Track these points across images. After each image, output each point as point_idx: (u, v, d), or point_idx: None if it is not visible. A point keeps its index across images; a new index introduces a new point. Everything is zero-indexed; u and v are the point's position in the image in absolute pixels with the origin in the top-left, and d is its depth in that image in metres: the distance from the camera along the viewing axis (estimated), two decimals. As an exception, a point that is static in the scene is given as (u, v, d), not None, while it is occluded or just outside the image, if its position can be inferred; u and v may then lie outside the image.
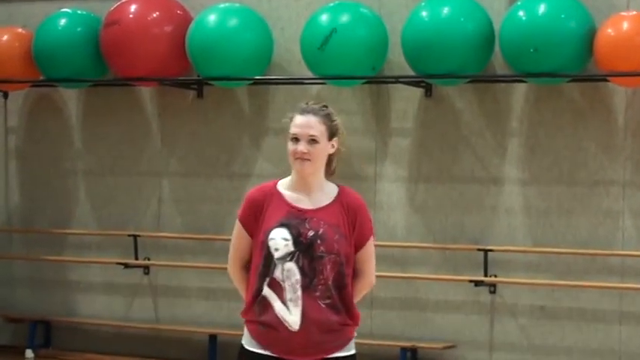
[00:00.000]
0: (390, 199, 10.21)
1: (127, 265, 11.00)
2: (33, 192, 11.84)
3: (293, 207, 4.56)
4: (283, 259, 4.47)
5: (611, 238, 9.74)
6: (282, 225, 4.49)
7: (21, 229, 11.80)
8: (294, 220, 4.51)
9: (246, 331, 4.58)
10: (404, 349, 9.79)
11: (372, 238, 4.66)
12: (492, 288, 9.77)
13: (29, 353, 11.04)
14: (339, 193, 4.61)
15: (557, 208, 9.90)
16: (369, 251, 4.65)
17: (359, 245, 4.60)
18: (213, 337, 10.53)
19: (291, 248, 4.47)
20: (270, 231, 4.50)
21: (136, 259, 10.99)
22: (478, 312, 9.98)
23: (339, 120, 4.65)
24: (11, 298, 11.66)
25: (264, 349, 4.49)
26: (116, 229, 11.22)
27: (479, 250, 9.78)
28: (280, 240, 4.47)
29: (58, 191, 11.72)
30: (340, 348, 4.52)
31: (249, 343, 4.54)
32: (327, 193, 4.60)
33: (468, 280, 9.78)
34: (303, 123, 4.54)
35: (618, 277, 9.61)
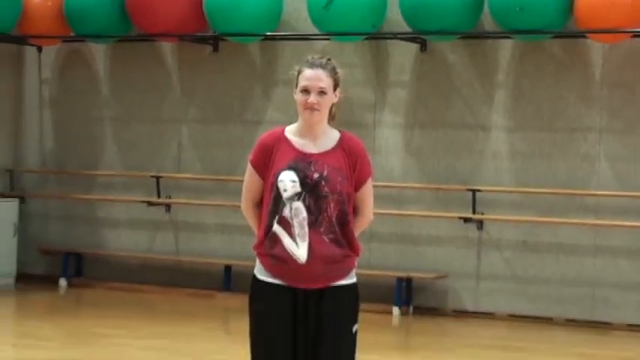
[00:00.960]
0: (388, 144, 10.23)
1: (150, 203, 11.05)
2: (65, 137, 11.84)
3: (300, 152, 4.54)
4: (291, 198, 4.48)
5: (587, 179, 9.81)
6: (290, 168, 4.50)
7: (54, 170, 11.78)
8: (301, 163, 4.50)
9: (258, 263, 4.58)
10: (399, 279, 9.85)
11: (370, 179, 4.65)
12: (479, 224, 9.85)
13: (62, 282, 11.12)
14: (340, 139, 4.59)
15: (539, 153, 9.94)
16: (368, 191, 4.63)
17: (358, 185, 4.58)
18: (228, 268, 10.59)
19: (298, 189, 4.47)
20: (280, 173, 4.49)
21: (158, 197, 11.04)
22: (466, 246, 10.03)
23: (341, 72, 4.62)
24: (46, 233, 11.70)
25: (274, 278, 4.52)
26: (140, 171, 11.25)
27: (468, 190, 9.83)
28: (288, 182, 4.48)
29: (87, 136, 11.72)
30: (343, 277, 4.55)
31: (260, 273, 4.55)
32: (330, 138, 4.57)
33: (457, 217, 9.83)
34: (313, 76, 4.49)
35: (593, 215, 9.69)
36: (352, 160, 4.57)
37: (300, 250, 4.46)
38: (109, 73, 11.68)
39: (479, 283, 10.06)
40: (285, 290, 4.50)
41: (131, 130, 11.50)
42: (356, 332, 4.60)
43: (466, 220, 9.82)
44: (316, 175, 4.47)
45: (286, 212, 4.48)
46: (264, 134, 4.69)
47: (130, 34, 11.04)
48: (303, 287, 4.52)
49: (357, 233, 4.66)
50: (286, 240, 4.48)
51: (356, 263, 4.63)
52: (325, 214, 4.48)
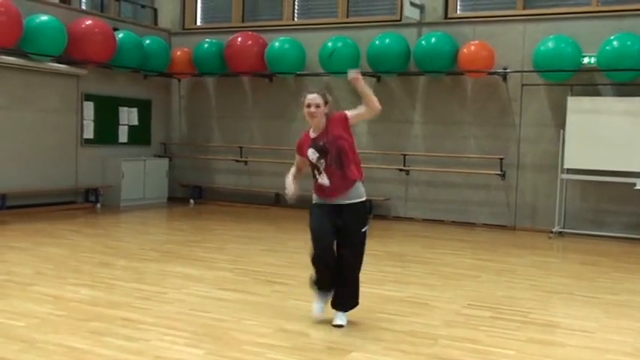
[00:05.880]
0: (361, 129, 9.88)
1: (236, 161, 11.23)
2: (192, 126, 11.94)
3: (312, 139, 4.48)
4: (317, 159, 4.43)
5: (462, 149, 9.77)
6: (309, 147, 4.47)
7: (187, 142, 11.91)
8: (314, 143, 4.45)
9: (313, 195, 4.50)
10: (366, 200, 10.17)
11: (347, 115, 4.44)
12: (407, 172, 10.02)
13: (191, 202, 11.51)
14: (326, 120, 4.45)
15: (438, 136, 9.88)
16: (352, 115, 4.42)
17: (350, 122, 4.40)
18: (277, 194, 10.65)
19: (317, 154, 4.43)
20: (307, 153, 4.49)
21: (240, 157, 11.17)
22: (400, 183, 10.18)
23: (328, 95, 4.51)
24: (183, 175, 11.90)
25: (319, 199, 4.47)
26: (230, 144, 11.36)
27: (401, 154, 9.97)
28: (311, 154, 4.45)
29: (203, 126, 11.76)
30: (356, 198, 4.44)
31: (314, 199, 4.51)
32: (324, 124, 4.46)
33: (396, 169, 10.04)
34: (312, 97, 4.48)
35: (465, 167, 9.72)
36: (335, 123, 4.44)
37: (325, 180, 4.41)
38: (214, 93, 11.81)
39: (406, 202, 10.31)
40: (325, 205, 4.43)
41: (226, 123, 11.69)
42: (365, 232, 4.45)
43: (400, 170, 10.06)
44: (321, 143, 4.42)
45: (318, 167, 4.45)
46: (299, 138, 4.58)
47: (225, 72, 11.07)
48: (333, 203, 4.39)
49: (368, 109, 4.36)
50: (319, 177, 4.45)
51: (361, 187, 4.46)
52: (333, 160, 4.38)
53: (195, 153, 11.95)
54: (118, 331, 4.27)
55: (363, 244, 4.48)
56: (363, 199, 4.50)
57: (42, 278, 5.72)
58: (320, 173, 4.41)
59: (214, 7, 12.14)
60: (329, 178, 4.39)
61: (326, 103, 4.49)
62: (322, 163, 4.40)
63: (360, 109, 4.47)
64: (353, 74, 4.36)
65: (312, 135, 4.51)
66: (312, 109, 4.45)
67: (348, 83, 10.00)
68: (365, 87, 4.38)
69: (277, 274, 6.16)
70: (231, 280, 5.90)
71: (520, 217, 9.65)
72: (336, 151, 4.39)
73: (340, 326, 4.46)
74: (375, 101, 4.39)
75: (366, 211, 4.54)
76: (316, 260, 4.39)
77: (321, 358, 3.94)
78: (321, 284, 4.51)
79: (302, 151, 4.54)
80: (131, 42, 10.65)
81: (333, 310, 4.54)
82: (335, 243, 4.41)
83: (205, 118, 11.89)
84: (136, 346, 3.99)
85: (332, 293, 4.52)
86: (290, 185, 4.49)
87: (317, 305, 4.57)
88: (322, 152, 4.40)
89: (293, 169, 4.60)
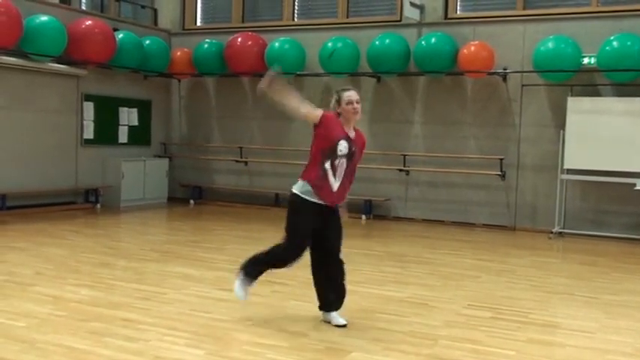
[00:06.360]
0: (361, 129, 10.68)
1: (236, 161, 11.15)
2: (191, 126, 11.93)
3: (346, 133, 4.32)
4: (341, 156, 4.27)
5: (462, 149, 9.80)
6: (345, 139, 4.28)
7: (186, 143, 11.92)
8: (348, 139, 4.30)
9: (303, 188, 4.34)
10: (365, 200, 9.98)
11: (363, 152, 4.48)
12: (407, 172, 10.04)
13: (191, 202, 11.50)
14: (356, 131, 4.41)
15: (437, 135, 9.88)
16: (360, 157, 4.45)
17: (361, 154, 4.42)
18: (277, 195, 10.66)
19: (346, 152, 4.27)
20: (340, 140, 4.25)
21: (241, 157, 11.16)
22: (400, 184, 10.19)
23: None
24: (183, 175, 11.89)
25: (312, 198, 4.34)
26: (230, 144, 11.37)
27: (401, 154, 9.97)
28: (344, 147, 4.25)
29: (203, 126, 11.76)
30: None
31: (305, 195, 4.35)
32: (353, 130, 4.40)
33: (396, 169, 10.06)
34: (353, 94, 4.36)
35: (465, 167, 9.72)
36: (360, 144, 4.40)
37: (336, 183, 4.29)
38: (214, 94, 11.80)
39: (406, 202, 10.31)
40: (316, 204, 4.31)
41: (226, 123, 11.66)
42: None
43: (400, 170, 10.07)
44: (353, 149, 4.31)
45: (336, 162, 4.27)
46: (329, 113, 4.31)
47: (225, 72, 11.03)
48: (326, 204, 4.33)
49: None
50: (330, 176, 4.28)
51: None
52: (349, 170, 4.33)
53: (196, 153, 11.94)
54: (118, 331, 4.27)
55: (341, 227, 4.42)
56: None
57: (42, 278, 5.72)
58: (334, 173, 4.28)
59: (214, 8, 12.10)
60: (340, 184, 4.32)
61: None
62: (341, 164, 4.27)
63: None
64: (264, 82, 4.23)
65: (344, 127, 4.34)
66: (358, 105, 4.35)
67: (347, 83, 9.95)
68: (281, 92, 4.26)
69: (277, 275, 6.06)
70: (231, 281, 5.90)
71: (520, 217, 9.64)
72: (354, 163, 4.37)
73: (344, 325, 4.44)
74: (294, 108, 4.28)
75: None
76: (290, 258, 4.31)
77: (320, 359, 3.93)
78: (258, 274, 4.44)
79: (332, 133, 4.24)
80: (131, 42, 10.63)
81: (331, 314, 4.50)
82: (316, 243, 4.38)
83: (205, 118, 11.88)
84: (136, 347, 3.99)
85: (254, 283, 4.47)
86: (334, 183, 4.32)
87: (245, 289, 4.48)
88: (349, 156, 4.31)
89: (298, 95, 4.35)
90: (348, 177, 4.33)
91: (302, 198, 4.30)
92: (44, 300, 5.00)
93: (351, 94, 4.33)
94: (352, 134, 4.38)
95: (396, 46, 9.76)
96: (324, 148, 4.26)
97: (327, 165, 4.25)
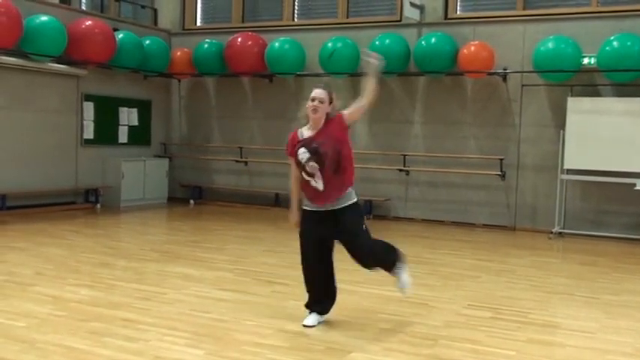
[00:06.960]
0: (360, 129, 10.00)
1: (236, 161, 11.28)
2: (192, 126, 11.95)
3: (305, 138, 4.30)
4: (307, 160, 4.24)
5: (462, 149, 9.78)
6: (300, 147, 4.28)
7: (186, 143, 11.95)
8: (307, 142, 4.27)
9: (304, 200, 4.34)
10: (366, 200, 9.86)
11: (344, 114, 4.27)
12: (407, 172, 10.05)
13: (191, 202, 11.53)
14: (326, 120, 4.28)
15: (438, 135, 9.90)
16: (351, 112, 4.28)
17: (348, 120, 4.25)
18: (277, 195, 10.85)
19: (308, 155, 4.24)
20: (297, 151, 4.29)
21: (240, 157, 11.20)
22: (400, 184, 10.19)
23: (335, 95, 4.33)
24: (182, 176, 11.91)
25: (311, 206, 4.33)
26: (230, 144, 11.42)
27: (401, 154, 9.97)
28: (302, 153, 4.25)
29: (203, 126, 11.79)
30: (346, 202, 4.28)
31: (305, 205, 4.35)
32: (322, 123, 4.29)
33: (396, 169, 10.06)
34: (317, 92, 4.28)
35: (464, 167, 9.73)
36: (334, 125, 4.26)
37: (318, 184, 4.24)
38: (214, 94, 11.82)
39: (406, 202, 10.33)
40: (316, 212, 4.29)
41: (226, 123, 11.68)
42: (366, 227, 4.29)
43: (400, 170, 10.09)
44: (314, 145, 4.22)
45: (307, 168, 4.25)
46: (289, 136, 4.36)
47: (225, 73, 11.08)
48: (325, 209, 4.25)
49: (368, 100, 4.20)
50: (312, 182, 4.27)
51: (352, 191, 4.32)
52: (328, 163, 4.22)
53: (195, 153, 11.96)
54: (118, 331, 4.27)
55: (368, 238, 4.32)
56: (355, 200, 4.36)
57: (42, 278, 5.73)
58: (312, 176, 4.23)
59: (214, 8, 12.12)
60: (324, 183, 4.24)
61: (330, 101, 4.31)
62: (313, 166, 4.22)
63: (360, 102, 4.29)
64: (373, 55, 4.22)
65: (306, 134, 4.34)
66: (316, 103, 4.27)
67: (347, 83, 10.19)
68: (377, 74, 4.20)
69: (277, 275, 6.16)
70: (231, 281, 5.90)
71: (520, 217, 9.65)
72: (335, 155, 4.23)
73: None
74: (375, 90, 4.24)
75: (361, 211, 4.40)
76: (304, 272, 4.40)
77: (320, 359, 3.92)
78: (308, 303, 4.47)
79: (292, 151, 4.33)
80: (131, 42, 10.65)
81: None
82: (324, 255, 4.36)
83: (205, 118, 11.89)
84: (136, 347, 3.99)
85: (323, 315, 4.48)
86: (295, 217, 4.39)
87: (311, 317, 4.50)
88: (315, 154, 4.22)
89: (294, 187, 4.40)
90: (333, 170, 4.23)
91: (303, 209, 4.39)
92: (44, 300, 5.00)
93: (313, 92, 4.27)
94: (312, 132, 4.29)
95: (396, 46, 9.78)
96: (296, 164, 4.33)
97: (304, 175, 4.28)
